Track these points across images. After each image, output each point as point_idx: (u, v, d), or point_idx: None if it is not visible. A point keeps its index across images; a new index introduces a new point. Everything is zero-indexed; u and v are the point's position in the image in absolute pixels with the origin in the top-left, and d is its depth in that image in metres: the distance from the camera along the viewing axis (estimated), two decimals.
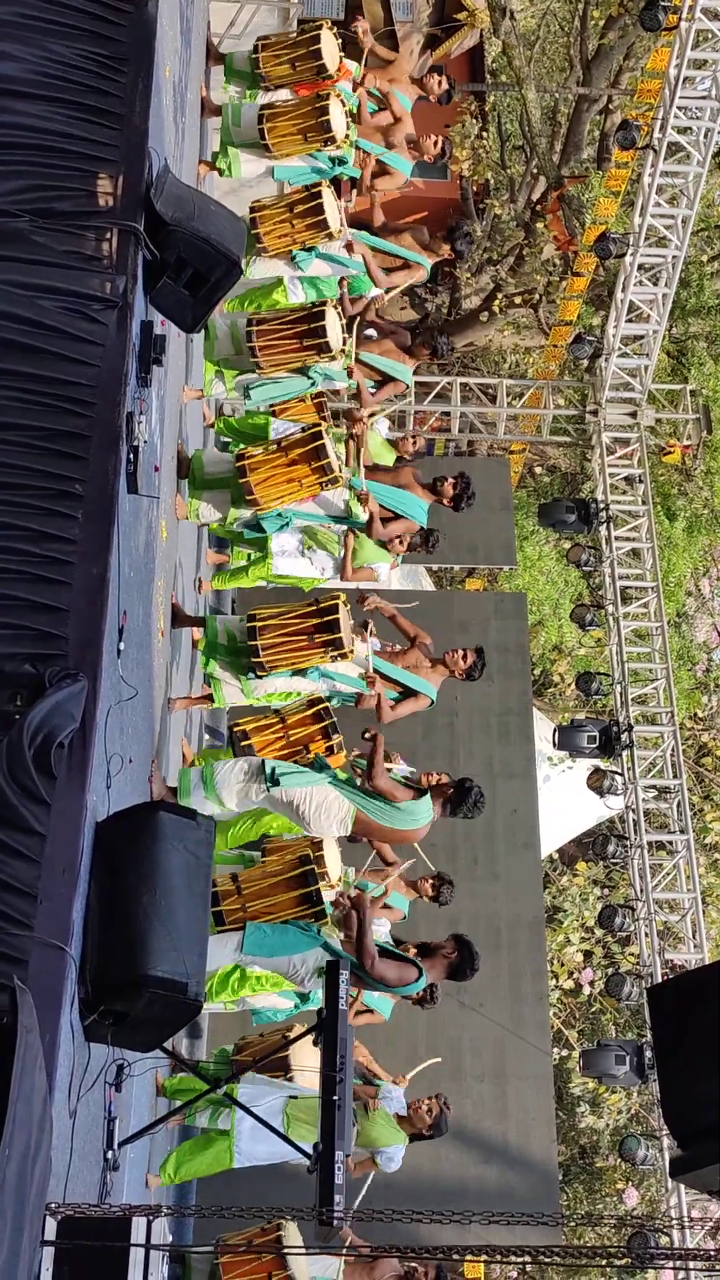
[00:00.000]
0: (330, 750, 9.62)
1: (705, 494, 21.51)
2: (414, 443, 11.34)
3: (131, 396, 7.12)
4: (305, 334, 10.57)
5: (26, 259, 6.96)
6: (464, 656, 10.59)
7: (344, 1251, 8.45)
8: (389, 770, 9.72)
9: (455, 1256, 8.73)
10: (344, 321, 10.80)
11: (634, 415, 18.51)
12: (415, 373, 12.07)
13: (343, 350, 10.63)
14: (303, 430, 10.25)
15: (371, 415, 11.11)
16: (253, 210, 10.91)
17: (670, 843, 16.90)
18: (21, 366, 6.73)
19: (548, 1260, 5.89)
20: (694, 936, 16.17)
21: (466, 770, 14.30)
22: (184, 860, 6.47)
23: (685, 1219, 14.87)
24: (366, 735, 9.78)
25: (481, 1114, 14.31)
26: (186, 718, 10.99)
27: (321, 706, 9.71)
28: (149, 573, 8.54)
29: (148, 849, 6.37)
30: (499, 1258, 6.14)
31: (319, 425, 10.16)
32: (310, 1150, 7.40)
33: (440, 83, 12.01)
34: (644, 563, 18.08)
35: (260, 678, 10.00)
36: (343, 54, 11.38)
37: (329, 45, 11.11)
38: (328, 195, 10.81)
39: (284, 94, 11.26)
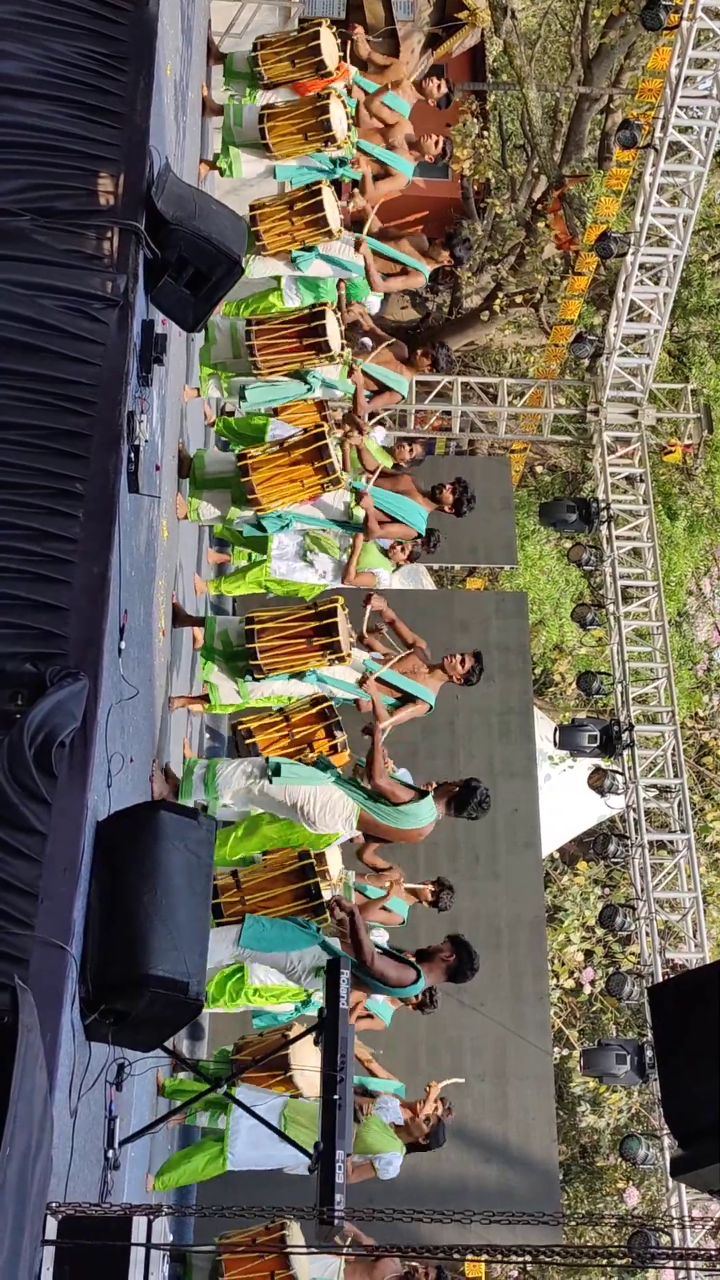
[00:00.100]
0: (334, 749, 9.61)
1: (706, 493, 21.51)
2: (410, 451, 11.32)
3: (132, 395, 7.12)
4: (305, 333, 10.57)
5: (27, 258, 6.96)
6: (462, 661, 10.58)
7: (345, 1251, 8.45)
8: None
9: (456, 1256, 8.73)
10: (343, 328, 10.80)
11: (635, 414, 18.51)
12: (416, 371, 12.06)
13: (341, 355, 10.63)
14: (304, 432, 10.25)
15: (374, 420, 11.11)
16: (252, 209, 10.91)
17: (671, 842, 16.90)
18: (22, 365, 6.72)
19: (548, 1260, 5.89)
20: (695, 936, 16.17)
21: (467, 770, 14.31)
22: (185, 859, 6.46)
23: (686, 1218, 14.88)
24: (366, 732, 9.78)
25: (482, 1113, 14.31)
26: (187, 718, 10.99)
27: (325, 705, 9.71)
28: (150, 572, 8.54)
29: (149, 848, 6.36)
30: (500, 1257, 6.14)
31: (321, 426, 10.16)
32: (308, 1151, 7.41)
33: (439, 86, 12.01)
34: (645, 562, 18.08)
35: (258, 680, 9.99)
36: (342, 54, 11.38)
37: (328, 43, 11.11)
38: (328, 195, 10.81)
39: (283, 93, 11.26)
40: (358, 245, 11.22)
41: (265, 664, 9.88)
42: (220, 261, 8.00)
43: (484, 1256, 10.62)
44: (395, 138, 11.77)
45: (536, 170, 23.05)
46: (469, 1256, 10.97)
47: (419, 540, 11.00)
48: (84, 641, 6.23)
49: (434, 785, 10.02)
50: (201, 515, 10.62)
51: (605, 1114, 21.24)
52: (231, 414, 11.43)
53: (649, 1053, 14.62)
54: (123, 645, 7.11)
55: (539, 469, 25.17)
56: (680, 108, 15.98)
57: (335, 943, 8.68)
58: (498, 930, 14.91)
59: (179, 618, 10.30)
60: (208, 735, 13.34)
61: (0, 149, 7.19)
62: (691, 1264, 6.65)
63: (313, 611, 9.95)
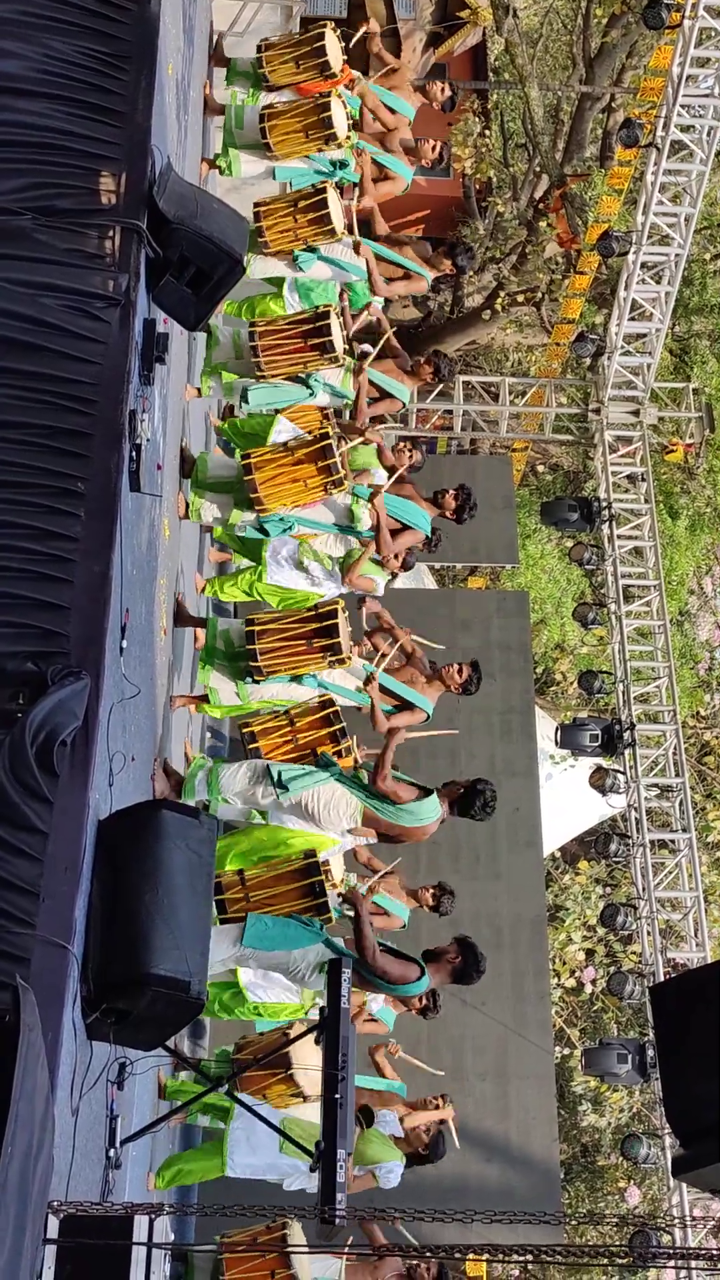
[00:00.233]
0: (339, 754, 9.59)
1: (708, 492, 21.51)
2: (410, 457, 11.32)
3: (134, 394, 7.12)
4: (309, 334, 10.57)
5: (29, 257, 6.96)
6: (459, 671, 10.56)
7: (346, 1250, 8.45)
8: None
9: (457, 1255, 8.74)
10: (346, 333, 10.80)
11: (636, 413, 18.51)
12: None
13: (343, 359, 10.63)
14: (309, 432, 10.25)
15: (375, 425, 11.10)
16: (257, 207, 10.91)
17: (672, 841, 16.91)
18: (24, 364, 6.72)
19: (550, 1259, 5.89)
20: (696, 935, 16.17)
21: (468, 769, 14.30)
22: (186, 858, 6.47)
23: (687, 1218, 14.88)
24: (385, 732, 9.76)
25: (483, 1113, 14.31)
26: (189, 717, 10.99)
27: (331, 710, 9.67)
28: (151, 571, 8.54)
29: (150, 847, 6.36)
30: (501, 1256, 6.14)
31: (327, 430, 10.16)
32: (309, 1150, 7.41)
33: (443, 89, 12.00)
34: (646, 561, 18.08)
35: (257, 682, 9.97)
36: (346, 58, 11.38)
37: (333, 46, 11.12)
38: (332, 196, 10.81)
39: (287, 95, 11.26)
40: (357, 248, 11.22)
41: (265, 665, 9.86)
42: (222, 260, 8.00)
43: (485, 1256, 10.62)
44: (394, 142, 11.77)
45: (538, 169, 23.04)
46: (470, 1256, 10.97)
47: (410, 552, 11.02)
48: (85, 640, 6.23)
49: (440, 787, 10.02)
50: (204, 516, 10.61)
51: (606, 1113, 21.24)
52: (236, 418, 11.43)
53: (650, 1052, 14.62)
54: (124, 644, 7.11)
55: (540, 468, 25.16)
56: (682, 106, 15.99)
57: (339, 941, 8.68)
58: (499, 929, 14.90)
59: (182, 617, 10.29)
60: (210, 734, 13.34)
61: (2, 148, 7.19)
62: (693, 1264, 6.65)
63: (313, 613, 9.93)
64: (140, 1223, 5.53)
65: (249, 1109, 8.65)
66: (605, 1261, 5.81)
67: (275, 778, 9.19)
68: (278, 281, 11.07)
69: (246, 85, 11.48)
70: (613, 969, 19.52)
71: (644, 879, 16.14)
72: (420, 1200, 8.21)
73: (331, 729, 9.56)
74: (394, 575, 11.01)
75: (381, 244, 11.67)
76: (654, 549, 18.03)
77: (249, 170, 11.34)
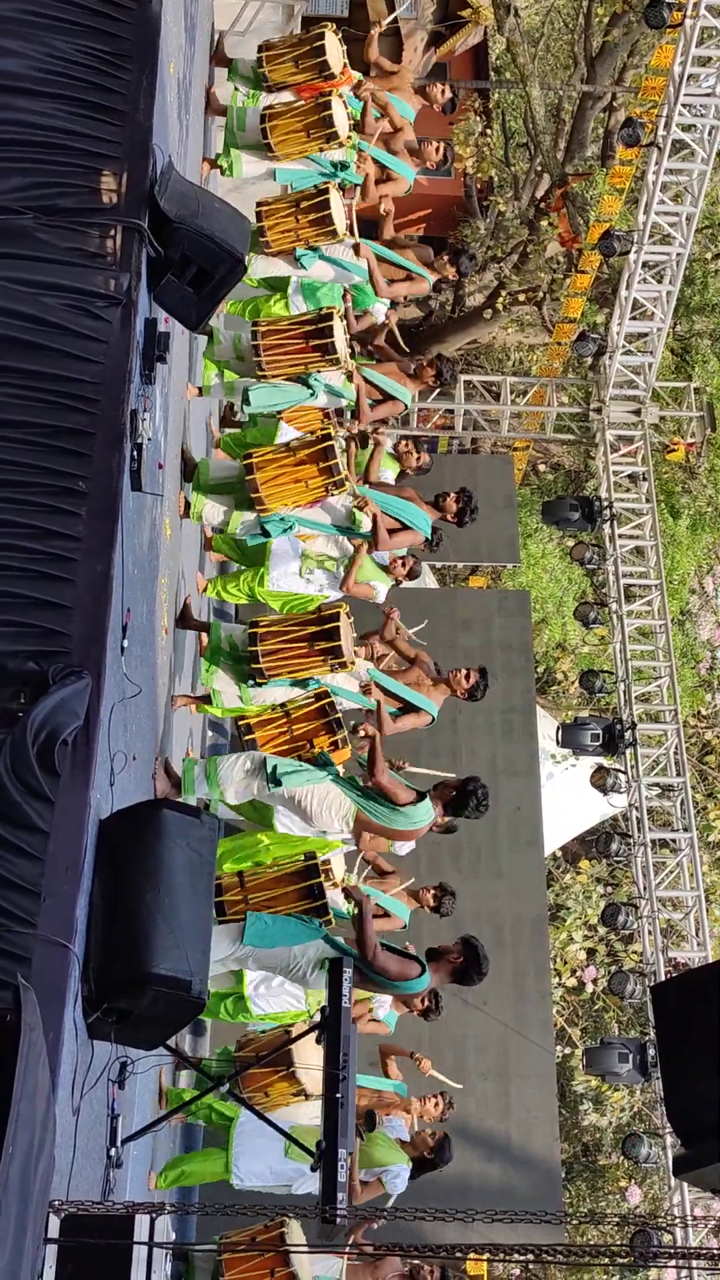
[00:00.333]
0: (335, 745, 9.58)
1: (709, 491, 21.52)
2: (418, 459, 11.31)
3: (135, 394, 7.12)
4: (312, 334, 10.57)
5: (30, 256, 6.95)
6: (466, 676, 10.56)
7: (347, 1250, 8.45)
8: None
9: (458, 1254, 8.73)
10: (349, 336, 10.80)
11: (638, 413, 18.51)
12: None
13: (345, 361, 10.64)
14: (311, 433, 10.25)
15: (375, 429, 11.10)
16: (259, 206, 10.91)
17: (674, 840, 16.91)
18: (25, 364, 6.72)
19: (551, 1259, 5.89)
20: (697, 934, 16.17)
21: (469, 768, 14.29)
22: (187, 858, 6.46)
23: (688, 1217, 14.89)
24: (360, 735, 9.74)
25: (484, 1112, 14.31)
26: (190, 718, 10.98)
27: (327, 702, 9.68)
28: (153, 570, 8.54)
29: (151, 846, 6.36)
30: (502, 1256, 6.14)
31: (329, 431, 10.16)
32: (310, 1150, 7.41)
33: (443, 91, 12.00)
34: (647, 560, 18.08)
35: (260, 685, 9.96)
36: (346, 59, 11.38)
37: (333, 47, 11.12)
38: (335, 196, 10.81)
39: (287, 95, 11.26)
40: (358, 249, 11.22)
41: (266, 668, 9.85)
42: (223, 260, 8.00)
43: (486, 1255, 10.62)
44: (398, 143, 11.77)
45: (539, 168, 23.04)
46: (471, 1255, 10.97)
47: (417, 561, 11.02)
48: (87, 639, 6.23)
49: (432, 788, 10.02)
50: (205, 517, 10.61)
51: (607, 1112, 21.24)
52: (236, 418, 11.43)
53: (651, 1051, 14.62)
54: (125, 643, 7.11)
55: (542, 467, 25.17)
56: (683, 105, 15.99)
57: (340, 940, 8.67)
58: (500, 929, 14.90)
59: (186, 620, 10.28)
60: (211, 733, 13.34)
61: (3, 147, 7.19)
62: (694, 1263, 6.66)
63: (315, 617, 9.92)
64: (141, 1222, 5.53)
65: (254, 1111, 8.66)
66: (606, 1261, 5.81)
67: (270, 772, 9.18)
68: (280, 282, 11.07)
69: (247, 86, 11.48)
70: (614, 968, 19.52)
71: (645, 878, 16.14)
72: (421, 1199, 8.21)
73: (327, 719, 9.56)
74: (398, 583, 11.01)
75: (385, 246, 11.68)
76: (655, 548, 18.03)
77: (250, 171, 11.34)
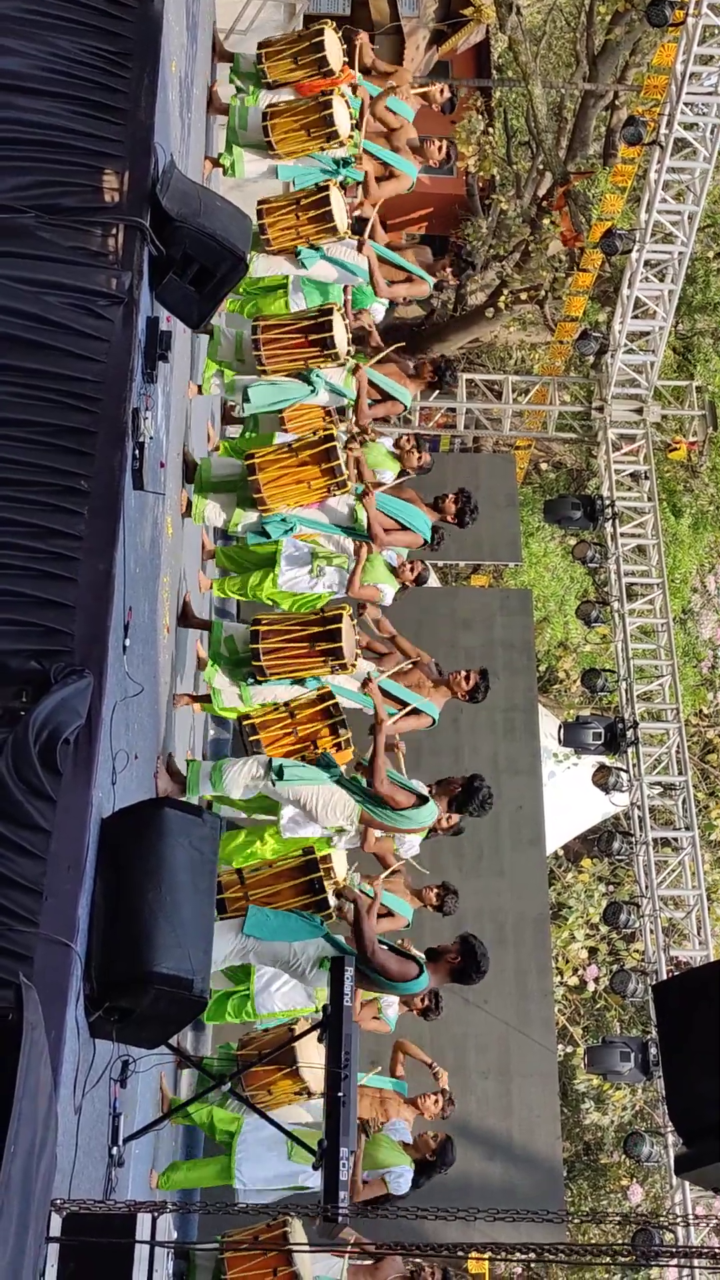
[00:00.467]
0: (338, 746, 9.59)
1: (711, 490, 21.52)
2: (419, 458, 11.31)
3: (137, 392, 7.12)
4: (311, 329, 10.57)
5: (32, 255, 6.96)
6: (467, 678, 10.55)
7: (348, 1249, 8.45)
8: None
9: (460, 1253, 8.75)
10: (349, 334, 10.80)
11: (640, 411, 18.50)
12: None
13: (345, 358, 10.64)
14: (313, 433, 10.25)
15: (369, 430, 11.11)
16: (260, 205, 10.91)
17: (675, 839, 16.91)
18: (27, 362, 6.72)
19: (552, 1258, 5.89)
20: (699, 933, 16.17)
21: (471, 766, 14.29)
22: (189, 856, 6.47)
23: (690, 1216, 14.88)
24: (372, 733, 9.76)
25: (486, 1111, 14.31)
26: (191, 717, 10.98)
27: (331, 703, 9.68)
28: (154, 569, 8.54)
29: (153, 845, 6.36)
30: (503, 1255, 6.15)
31: (331, 430, 10.15)
32: (312, 1149, 7.41)
33: (442, 91, 12.02)
34: (649, 559, 18.07)
35: (259, 683, 9.97)
36: (347, 59, 11.37)
37: (332, 45, 11.11)
38: (335, 195, 10.81)
39: (287, 93, 11.26)
40: (360, 248, 11.22)
41: (267, 666, 9.85)
42: (225, 258, 8.00)
43: (488, 1254, 10.63)
44: (399, 141, 11.77)
45: (541, 167, 23.03)
46: (473, 1254, 10.98)
47: (425, 566, 11.03)
48: (89, 638, 6.23)
49: (433, 785, 10.02)
50: (206, 518, 10.61)
51: (609, 1111, 21.24)
52: (235, 413, 11.41)
53: (653, 1050, 14.63)
54: (127, 642, 7.12)
55: (544, 466, 25.16)
56: (686, 104, 15.98)
57: (340, 938, 8.68)
58: (502, 927, 14.90)
59: (188, 620, 10.28)
60: (213, 730, 13.33)
61: (5, 146, 7.19)
62: (695, 1262, 6.65)
63: (317, 617, 9.92)
64: (143, 1221, 5.54)
65: (257, 1110, 8.66)
66: (608, 1260, 5.81)
67: (275, 769, 9.22)
68: (280, 281, 11.07)
69: (248, 84, 11.48)
70: (615, 967, 19.53)
71: (647, 877, 16.14)
72: (423, 1198, 8.23)
73: (331, 720, 9.56)
74: (405, 587, 11.01)
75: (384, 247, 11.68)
76: (657, 547, 18.02)
77: (252, 169, 11.34)
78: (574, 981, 22.12)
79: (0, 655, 6.03)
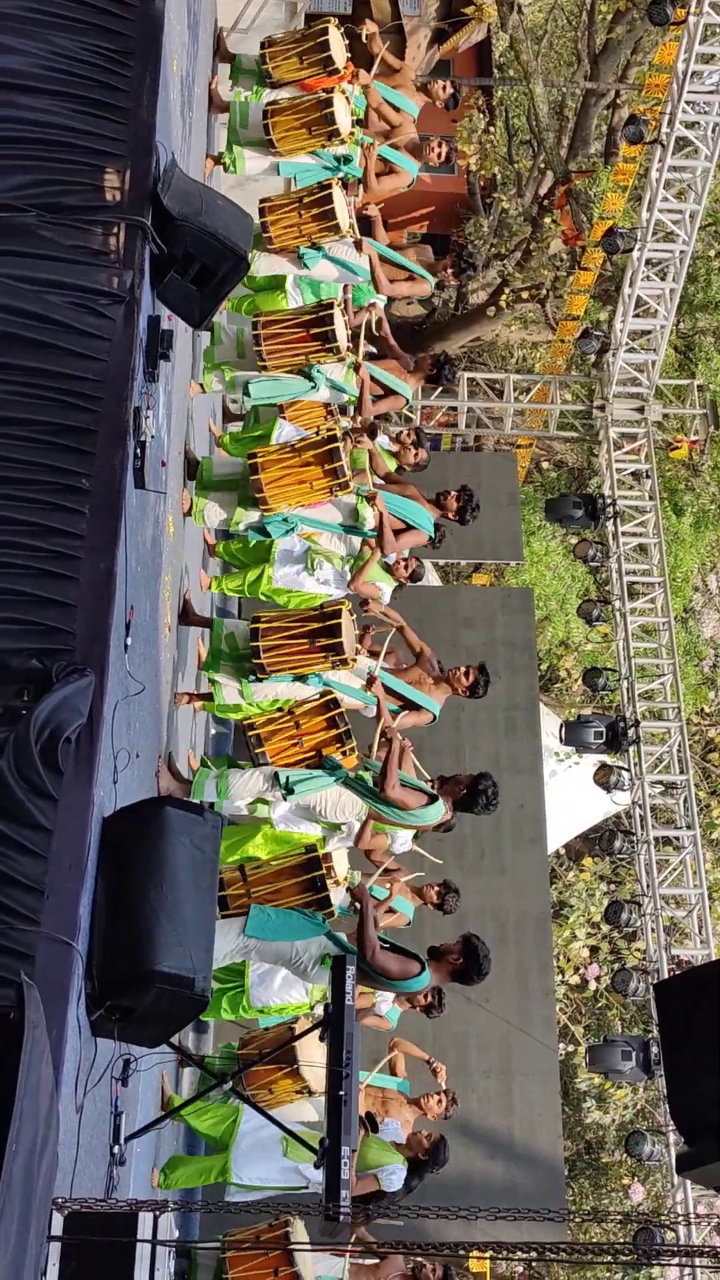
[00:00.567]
0: (343, 754, 9.59)
1: (712, 489, 21.51)
2: (415, 455, 11.31)
3: (139, 391, 7.12)
4: (312, 324, 10.58)
5: (33, 254, 6.95)
6: (467, 674, 10.55)
7: (349, 1248, 8.45)
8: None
9: (461, 1252, 8.75)
10: (349, 330, 10.80)
11: (641, 410, 18.50)
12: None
13: (346, 353, 10.63)
14: (315, 433, 10.24)
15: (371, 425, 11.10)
16: (262, 204, 10.91)
17: (677, 838, 16.90)
18: (28, 361, 6.72)
19: (554, 1256, 5.89)
20: (700, 932, 16.17)
21: (473, 765, 14.29)
22: (190, 855, 6.46)
23: (691, 1215, 14.88)
24: (382, 739, 9.77)
25: (487, 1109, 14.31)
26: (193, 715, 10.98)
27: (336, 711, 9.63)
28: (156, 568, 8.54)
29: (154, 844, 6.36)
30: (504, 1253, 6.14)
31: (333, 430, 10.15)
32: (313, 1147, 7.41)
33: (445, 87, 12.00)
34: (651, 558, 18.07)
35: (260, 680, 9.97)
36: (350, 55, 11.37)
37: (336, 42, 11.11)
38: (338, 193, 10.81)
39: (290, 91, 11.26)
40: (359, 246, 11.21)
41: (268, 663, 9.85)
42: (226, 257, 8.00)
43: (489, 1253, 10.62)
44: (399, 136, 11.77)
45: (543, 166, 23.02)
46: (474, 1253, 10.97)
47: (420, 563, 11.03)
48: (90, 637, 6.23)
49: (437, 781, 10.02)
50: (207, 519, 10.60)
51: (610, 1110, 21.25)
52: (234, 410, 11.41)
53: (654, 1049, 14.63)
54: (129, 641, 7.11)
55: (545, 465, 25.16)
56: (687, 103, 15.97)
57: (342, 936, 8.69)
58: (503, 926, 14.90)
59: (188, 617, 10.28)
60: (214, 727, 13.33)
61: (6, 144, 7.19)
62: (697, 1261, 6.65)
63: (317, 613, 9.92)
64: (145, 1219, 5.54)
65: (258, 1109, 8.66)
66: (609, 1259, 5.81)
67: (284, 784, 9.26)
68: (280, 280, 11.06)
69: (250, 82, 11.48)
70: (617, 966, 19.54)
71: (648, 876, 16.14)
72: (424, 1197, 8.22)
73: (337, 730, 9.55)
74: (401, 584, 11.01)
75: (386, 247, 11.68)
76: (658, 546, 18.02)
77: (253, 167, 11.33)
78: (575, 980, 22.12)
79: (1, 654, 6.03)
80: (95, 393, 6.80)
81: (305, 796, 9.39)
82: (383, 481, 10.89)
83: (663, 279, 17.36)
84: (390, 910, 10.59)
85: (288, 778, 9.27)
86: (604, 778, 16.96)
